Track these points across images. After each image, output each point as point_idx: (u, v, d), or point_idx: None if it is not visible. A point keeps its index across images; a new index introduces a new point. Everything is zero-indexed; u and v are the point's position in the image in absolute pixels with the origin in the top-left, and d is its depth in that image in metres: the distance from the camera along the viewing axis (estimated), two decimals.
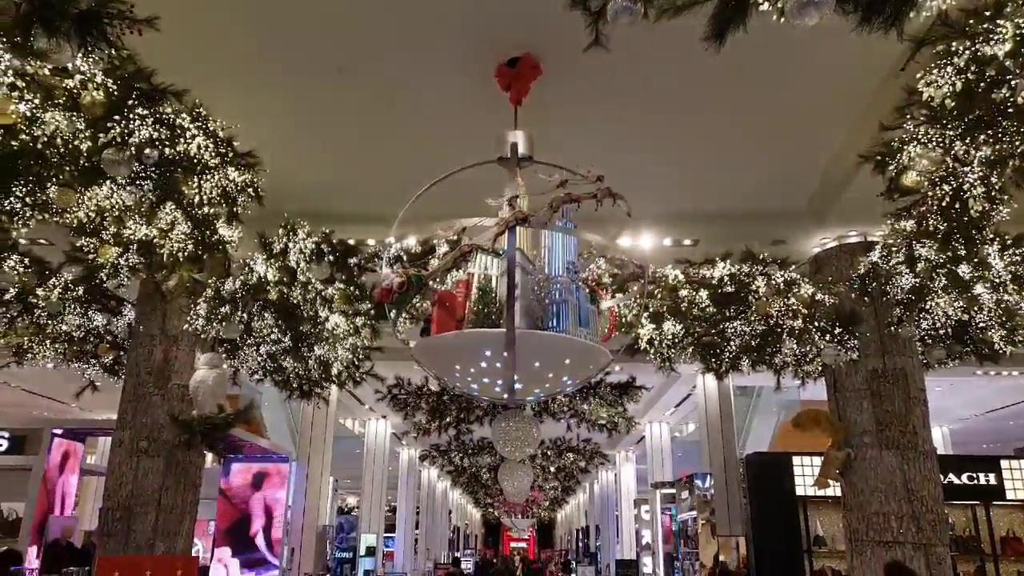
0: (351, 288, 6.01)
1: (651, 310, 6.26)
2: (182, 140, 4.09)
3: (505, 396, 3.29)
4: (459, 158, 3.65)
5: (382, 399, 10.75)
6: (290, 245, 5.64)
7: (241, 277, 5.69)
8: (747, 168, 6.00)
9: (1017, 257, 5.39)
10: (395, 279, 3.20)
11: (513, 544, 48.36)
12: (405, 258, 5.77)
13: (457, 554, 25.59)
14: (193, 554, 6.29)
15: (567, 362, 3.26)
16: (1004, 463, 11.11)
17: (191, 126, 4.11)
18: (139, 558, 5.41)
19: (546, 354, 3.19)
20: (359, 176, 6.25)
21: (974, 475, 10.91)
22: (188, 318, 5.78)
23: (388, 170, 6.02)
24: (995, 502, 10.87)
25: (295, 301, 5.72)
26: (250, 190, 4.70)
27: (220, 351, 5.97)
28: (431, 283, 3.40)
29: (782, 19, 2.70)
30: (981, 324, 5.89)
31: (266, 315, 5.73)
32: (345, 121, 5.43)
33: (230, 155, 4.47)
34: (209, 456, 10.17)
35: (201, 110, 4.20)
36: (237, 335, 5.81)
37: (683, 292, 6.15)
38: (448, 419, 11.11)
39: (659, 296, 6.24)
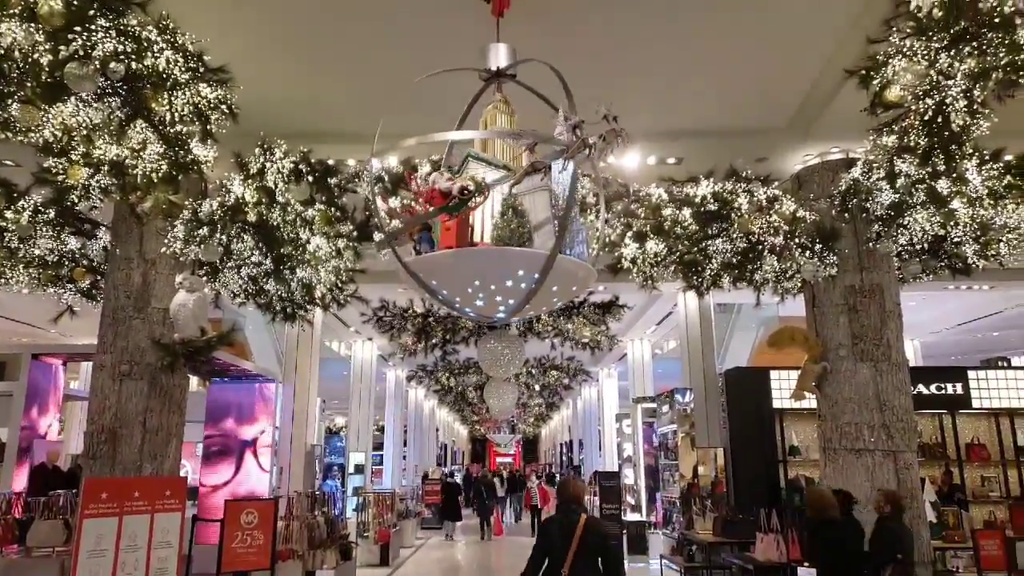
0: (332, 209, 5.94)
1: (634, 229, 6.26)
2: (149, 54, 3.93)
3: (499, 314, 3.32)
4: (441, 74, 3.56)
5: (367, 321, 10.81)
6: (267, 165, 5.53)
7: (218, 198, 5.60)
8: (733, 84, 5.90)
9: (994, 172, 5.44)
10: (454, 183, 3.11)
11: (499, 459, 49.88)
12: (387, 178, 5.70)
13: (445, 470, 26.36)
14: (181, 475, 6.42)
15: (574, 286, 3.36)
16: (971, 374, 11.49)
17: (158, 39, 3.95)
18: (127, 480, 5.49)
19: (565, 278, 3.25)
20: (337, 93, 6.08)
21: (942, 385, 11.30)
22: (166, 241, 5.71)
23: (367, 87, 5.86)
24: (961, 411, 11.29)
25: (275, 223, 5.66)
26: (223, 107, 4.57)
27: (200, 274, 5.93)
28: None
29: None
30: (956, 239, 5.97)
31: (246, 237, 5.67)
32: (321, 36, 5.24)
33: (201, 70, 4.32)
34: (194, 379, 10.28)
35: (168, 22, 4.03)
36: (217, 258, 5.76)
37: (666, 211, 6.15)
38: (434, 340, 11.24)
39: (643, 215, 6.23)
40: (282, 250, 5.83)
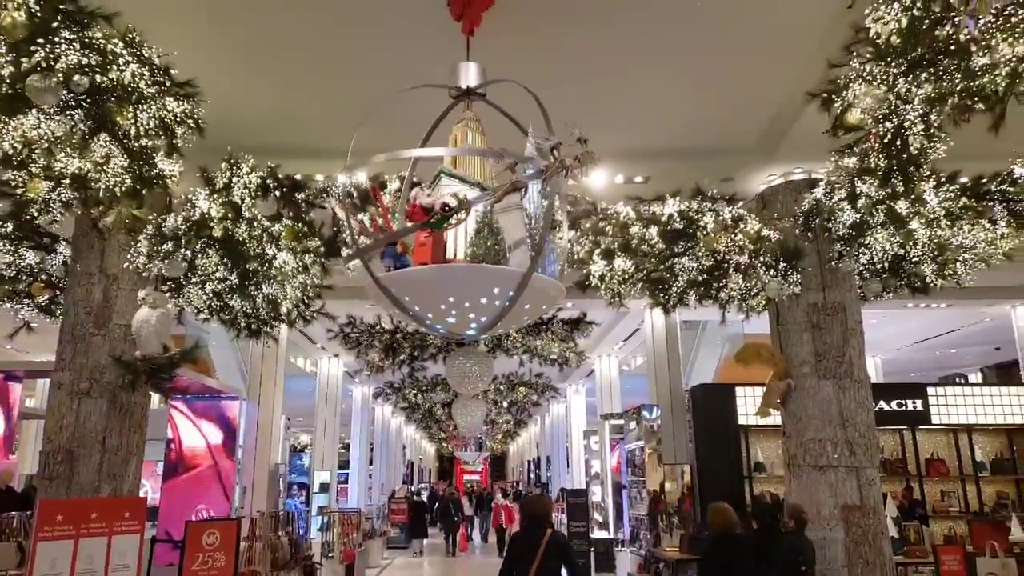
0: (299, 224, 5.89)
1: (602, 247, 6.31)
2: (114, 67, 3.88)
3: (470, 331, 3.32)
4: (410, 91, 3.56)
5: (334, 338, 10.70)
6: (234, 180, 5.47)
7: (183, 213, 5.52)
8: (700, 105, 6.01)
9: (950, 193, 5.61)
10: (435, 199, 3.11)
11: (467, 477, 49.51)
12: (355, 194, 5.68)
13: (412, 488, 26.13)
14: (141, 495, 6.26)
15: (545, 304, 3.38)
16: (930, 390, 11.75)
17: (124, 52, 3.90)
18: (84, 501, 5.33)
19: (538, 296, 3.27)
20: (306, 109, 6.06)
21: (903, 402, 11.53)
22: (128, 256, 5.60)
23: (336, 103, 5.85)
24: (921, 427, 11.52)
25: (241, 238, 5.59)
26: (190, 121, 4.52)
27: (163, 289, 5.83)
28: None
29: None
30: (915, 258, 6.12)
31: (210, 252, 5.59)
32: (291, 51, 5.22)
33: (168, 84, 4.27)
34: (155, 397, 10.06)
35: (134, 35, 3.98)
36: (181, 273, 5.67)
37: (634, 229, 6.22)
38: (402, 357, 11.17)
39: (610, 233, 6.29)
40: (248, 266, 5.76)
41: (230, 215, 5.50)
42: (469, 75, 3.70)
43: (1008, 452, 11.83)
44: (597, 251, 6.32)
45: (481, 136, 3.74)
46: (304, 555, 9.62)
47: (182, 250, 5.48)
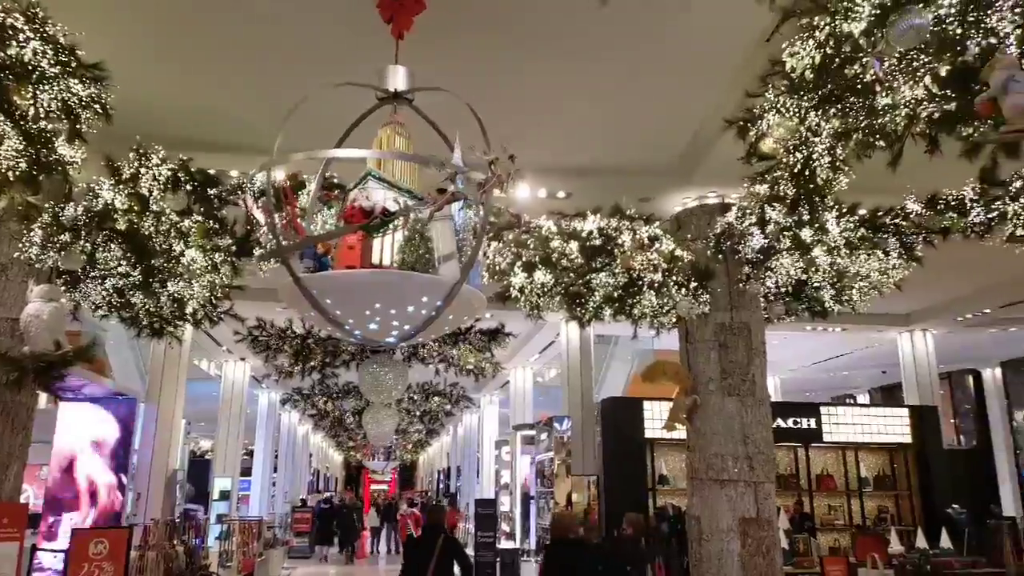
0: (210, 221, 5.66)
1: (524, 259, 6.36)
2: (13, 43, 3.64)
3: (389, 339, 3.27)
4: (335, 91, 3.49)
5: (241, 340, 10.34)
6: (142, 171, 5.21)
7: (84, 203, 5.21)
8: (622, 126, 6.16)
9: (850, 224, 5.94)
10: (379, 202, 3.03)
11: (374, 486, 48.64)
12: (274, 192, 5.50)
13: (322, 496, 25.48)
14: (22, 501, 5.85)
15: (467, 315, 3.36)
16: (823, 409, 12.41)
17: (25, 28, 3.66)
18: None
19: (463, 306, 3.25)
20: (223, 103, 5.85)
21: (798, 420, 12.11)
22: (20, 245, 5.24)
23: (256, 99, 5.68)
24: (813, 444, 12.13)
25: (147, 232, 5.33)
26: (96, 106, 4.27)
27: (58, 283, 5.48)
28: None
29: None
30: (816, 284, 6.45)
31: (113, 246, 5.29)
32: (210, 42, 5.04)
33: (73, 65, 4.03)
34: (43, 397, 9.43)
35: (38, 11, 3.75)
36: (79, 266, 5.34)
37: (555, 243, 6.29)
38: (312, 363, 10.89)
39: (532, 246, 6.34)
40: (153, 261, 5.49)
41: (136, 208, 5.23)
42: (398, 79, 3.67)
43: (889, 469, 12.61)
44: (518, 263, 6.36)
45: (407, 142, 3.71)
46: (200, 565, 9.20)
47: (81, 242, 5.17)
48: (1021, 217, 5.35)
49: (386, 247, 3.23)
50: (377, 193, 3.26)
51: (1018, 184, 5.17)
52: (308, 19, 4.74)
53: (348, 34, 4.79)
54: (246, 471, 19.75)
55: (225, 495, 15.88)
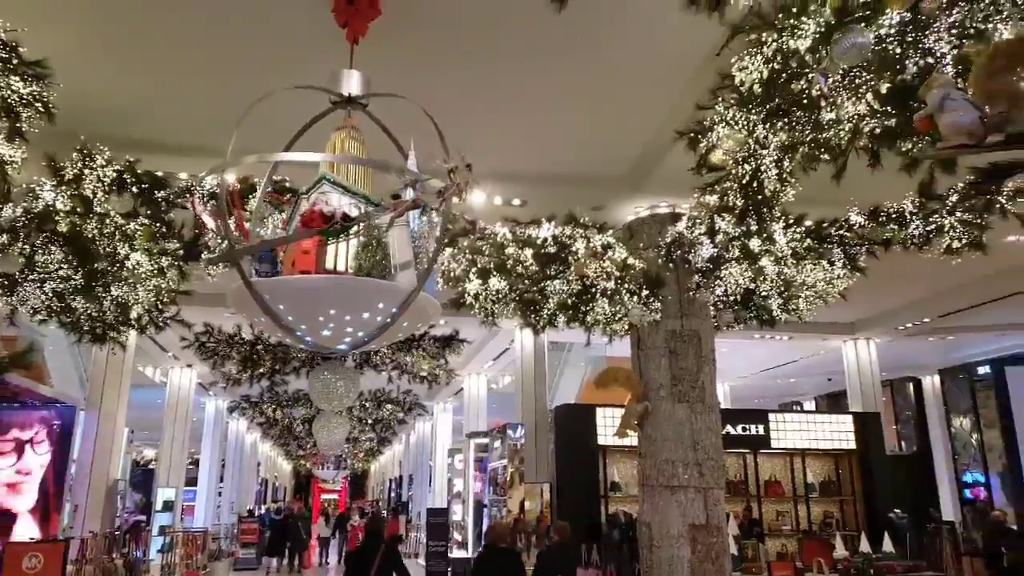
0: (157, 224, 5.52)
1: (479, 266, 6.36)
2: None
3: (341, 346, 3.23)
4: (288, 94, 3.45)
5: (188, 347, 10.09)
6: (86, 172, 5.06)
7: (24, 203, 5.03)
8: (577, 135, 6.22)
9: (797, 235, 6.11)
10: (339, 207, 2.98)
11: (324, 496, 47.83)
12: (226, 195, 5.39)
13: (272, 506, 24.94)
14: None
15: (421, 322, 3.35)
16: (771, 416, 12.66)
17: None
18: None
19: (417, 313, 3.23)
20: (172, 104, 5.72)
21: (747, 426, 12.35)
22: None
23: (207, 100, 5.57)
24: (762, 450, 12.37)
25: (90, 235, 5.17)
26: (38, 105, 4.14)
27: None
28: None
29: None
30: (764, 293, 6.60)
31: (53, 248, 5.12)
32: (162, 41, 4.92)
33: (14, 62, 3.90)
34: None
35: None
36: (17, 269, 5.15)
37: (510, 250, 6.31)
38: (262, 370, 10.68)
39: (487, 253, 6.35)
40: (96, 265, 5.32)
41: (79, 209, 5.08)
42: (352, 83, 3.64)
43: (835, 475, 12.93)
44: (473, 270, 6.37)
45: (362, 147, 3.68)
46: None
47: (20, 243, 4.99)
48: (957, 230, 5.59)
49: (341, 253, 3.20)
50: (335, 198, 3.23)
51: (954, 198, 5.40)
52: (262, 21, 4.67)
53: (302, 38, 4.74)
54: (191, 481, 19.25)
55: (169, 505, 15.45)
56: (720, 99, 3.91)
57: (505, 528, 7.53)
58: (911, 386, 18.60)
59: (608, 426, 10.99)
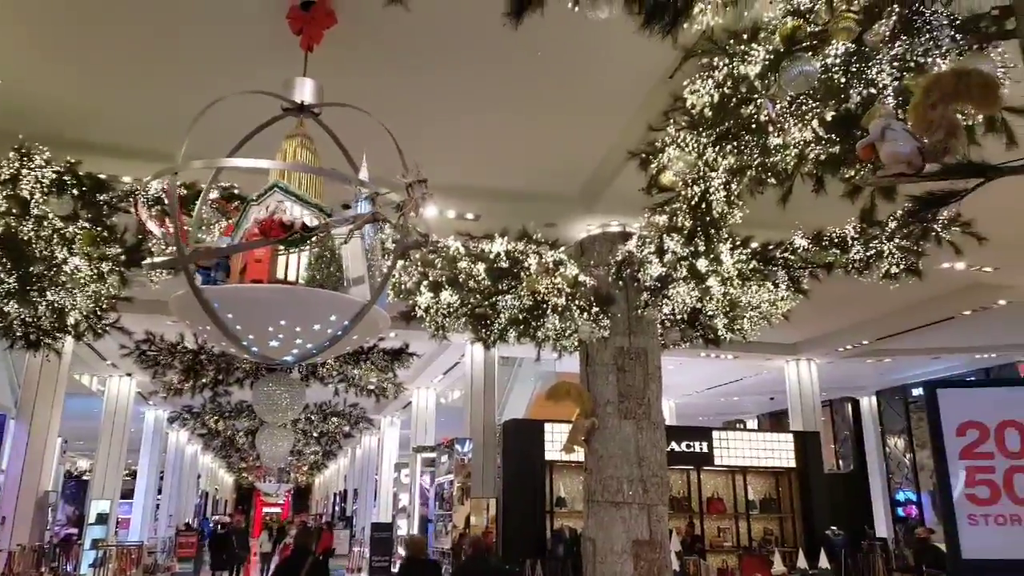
0: (98, 228, 5.35)
1: (430, 279, 6.33)
2: None
3: (288, 357, 3.17)
4: (239, 100, 3.39)
5: (128, 355, 9.79)
6: (23, 172, 4.88)
7: None
8: (531, 152, 6.26)
9: (743, 256, 6.25)
10: (298, 217, 2.92)
11: (266, 509, 46.71)
12: (167, 200, 5.26)
13: (220, 519, 24.23)
14: None
15: (370, 335, 3.31)
16: (715, 434, 12.85)
17: None
18: None
19: (367, 326, 3.19)
20: (119, 106, 5.57)
21: (691, 443, 12.50)
22: None
23: (155, 103, 5.43)
24: (705, 467, 12.54)
25: (26, 237, 4.97)
26: None
27: None
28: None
29: (576, 7, 2.84)
30: (710, 312, 6.73)
31: None
32: (108, 42, 4.79)
33: None
34: None
35: None
36: None
37: (462, 264, 6.30)
38: (204, 380, 10.42)
39: (439, 266, 6.33)
40: (31, 268, 5.12)
41: (15, 211, 4.88)
42: (305, 91, 3.60)
43: (775, 492, 13.18)
44: (425, 283, 6.33)
45: (314, 156, 3.64)
46: None
47: None
48: (895, 256, 5.80)
49: (292, 263, 3.15)
50: (292, 207, 3.18)
51: (893, 225, 5.60)
52: (214, 25, 4.59)
53: (256, 44, 4.67)
54: (128, 493, 18.59)
55: (103, 518, 14.87)
56: (672, 121, 3.99)
57: (422, 542, 8.00)
58: (849, 406, 19.16)
59: (556, 442, 11.00)
